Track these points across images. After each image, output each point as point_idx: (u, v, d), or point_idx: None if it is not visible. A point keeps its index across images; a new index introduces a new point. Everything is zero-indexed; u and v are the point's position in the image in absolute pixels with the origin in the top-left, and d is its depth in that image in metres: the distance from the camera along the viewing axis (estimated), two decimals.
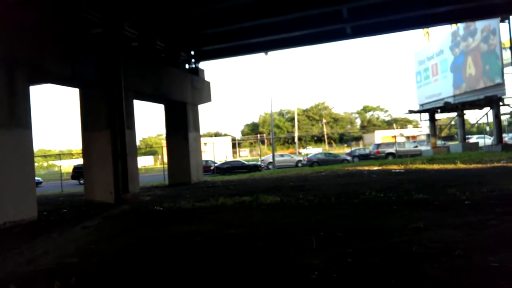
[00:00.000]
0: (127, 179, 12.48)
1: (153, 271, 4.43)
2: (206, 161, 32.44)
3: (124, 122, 12.47)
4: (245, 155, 63.96)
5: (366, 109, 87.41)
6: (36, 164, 32.96)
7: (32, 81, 11.05)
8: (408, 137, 60.08)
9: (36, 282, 4.19)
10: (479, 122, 33.47)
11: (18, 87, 9.20)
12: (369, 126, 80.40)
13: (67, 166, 46.70)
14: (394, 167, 18.96)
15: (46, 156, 55.52)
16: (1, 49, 8.77)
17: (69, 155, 53.71)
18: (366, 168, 19.82)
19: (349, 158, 32.65)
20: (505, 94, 24.91)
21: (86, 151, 12.87)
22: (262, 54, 29.41)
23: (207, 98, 20.12)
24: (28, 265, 5.12)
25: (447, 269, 3.81)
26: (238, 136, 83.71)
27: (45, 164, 52.15)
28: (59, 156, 51.12)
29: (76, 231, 7.61)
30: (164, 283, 4.04)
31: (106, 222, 8.58)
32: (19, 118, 9.15)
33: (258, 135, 69.82)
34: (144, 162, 45.69)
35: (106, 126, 12.34)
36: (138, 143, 34.29)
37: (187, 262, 4.77)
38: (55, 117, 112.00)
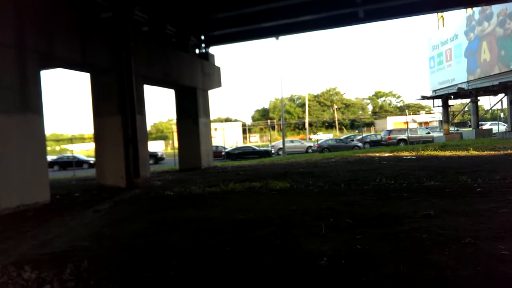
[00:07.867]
0: (138, 164, 12.61)
1: (164, 255, 4.50)
2: (217, 146, 32.55)
3: (135, 108, 12.54)
4: (255, 141, 63.99)
5: (378, 95, 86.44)
6: (48, 148, 33.40)
7: (43, 66, 11.12)
8: (420, 123, 59.44)
9: (50, 265, 4.28)
10: (493, 108, 32.94)
11: (29, 72, 9.26)
12: (381, 112, 79.56)
13: (79, 150, 47.28)
14: (405, 153, 18.82)
15: (58, 140, 56.18)
16: (12, 35, 8.81)
17: (81, 139, 54.34)
18: (377, 154, 19.71)
19: (360, 144, 32.44)
20: None
21: (98, 136, 12.99)
22: (273, 39, 29.16)
23: (217, 84, 20.08)
24: (42, 248, 5.23)
25: (456, 256, 3.79)
26: (249, 121, 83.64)
27: (57, 148, 52.82)
28: (71, 140, 51.77)
29: (88, 214, 7.72)
30: (174, 266, 4.09)
31: (117, 206, 8.69)
32: (31, 103, 9.23)
33: (269, 121, 69.60)
34: (155, 147, 46.03)
35: (117, 111, 12.43)
36: (149, 128, 34.52)
37: (197, 247, 4.83)
38: (68, 101, 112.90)
